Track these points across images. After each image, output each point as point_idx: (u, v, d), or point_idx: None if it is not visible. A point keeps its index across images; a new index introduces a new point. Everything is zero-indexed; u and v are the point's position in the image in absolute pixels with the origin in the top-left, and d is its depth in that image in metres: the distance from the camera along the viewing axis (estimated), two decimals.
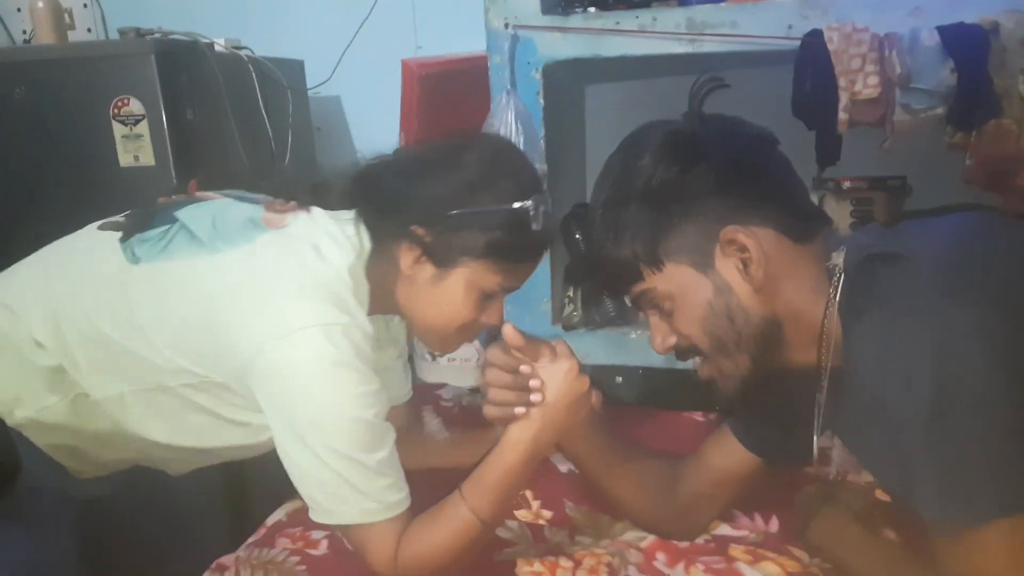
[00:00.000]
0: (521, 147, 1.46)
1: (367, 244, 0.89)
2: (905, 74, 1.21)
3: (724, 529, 0.97)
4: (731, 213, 0.73)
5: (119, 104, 1.40)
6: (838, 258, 0.73)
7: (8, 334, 0.87)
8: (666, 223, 0.75)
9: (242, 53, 1.66)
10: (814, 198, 1.66)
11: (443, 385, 1.51)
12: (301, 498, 1.02)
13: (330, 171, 0.98)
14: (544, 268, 1.51)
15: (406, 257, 0.87)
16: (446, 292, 0.87)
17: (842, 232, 1.61)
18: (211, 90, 1.52)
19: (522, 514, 1.04)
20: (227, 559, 0.94)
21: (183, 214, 0.90)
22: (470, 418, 1.28)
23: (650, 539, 0.96)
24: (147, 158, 1.42)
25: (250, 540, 0.99)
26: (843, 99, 1.23)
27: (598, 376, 1.51)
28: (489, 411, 0.84)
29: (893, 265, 0.69)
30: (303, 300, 0.81)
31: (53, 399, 0.87)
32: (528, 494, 1.07)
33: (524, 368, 0.82)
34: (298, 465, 0.81)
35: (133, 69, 1.40)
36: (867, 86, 1.23)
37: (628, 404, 1.42)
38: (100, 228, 0.93)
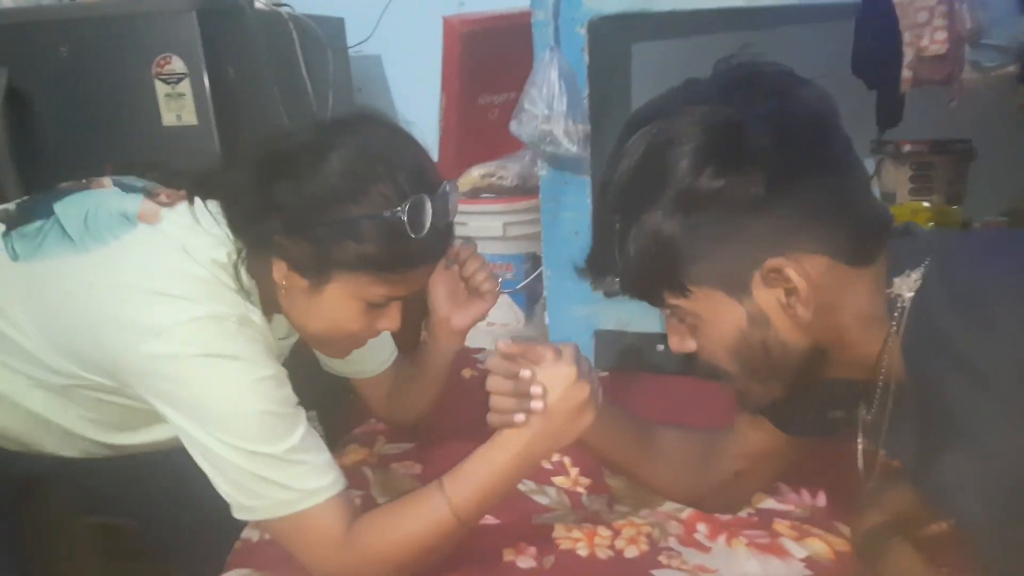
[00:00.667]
0: (565, 106, 1.43)
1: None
2: (976, 29, 1.13)
3: (769, 503, 0.94)
4: (779, 236, 0.62)
5: (161, 62, 1.39)
6: (902, 286, 0.62)
7: None
8: (698, 244, 0.63)
9: (282, 10, 1.65)
10: (871, 163, 1.59)
11: (480, 349, 1.50)
12: None
13: (218, 160, 0.93)
14: (586, 230, 1.48)
15: (277, 268, 0.80)
16: (324, 306, 0.80)
17: (902, 208, 1.54)
18: (252, 48, 1.51)
19: (560, 480, 1.03)
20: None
21: (60, 207, 0.85)
22: None
23: (690, 510, 0.94)
24: (190, 117, 1.42)
25: None
26: (908, 56, 1.16)
27: (639, 344, 1.49)
28: (491, 419, 0.79)
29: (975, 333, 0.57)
30: (170, 298, 0.76)
31: None
32: (566, 460, 1.06)
33: (524, 373, 0.77)
34: (205, 462, 0.76)
35: (174, 27, 1.39)
36: (934, 41, 1.15)
37: (669, 373, 1.39)
38: None
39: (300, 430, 0.77)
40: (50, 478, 0.97)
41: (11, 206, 0.89)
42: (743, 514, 0.93)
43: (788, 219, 0.62)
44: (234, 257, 0.81)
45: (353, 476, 0.98)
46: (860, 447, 0.77)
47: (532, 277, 1.70)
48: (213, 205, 0.84)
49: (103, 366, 0.79)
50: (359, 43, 1.97)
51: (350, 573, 0.77)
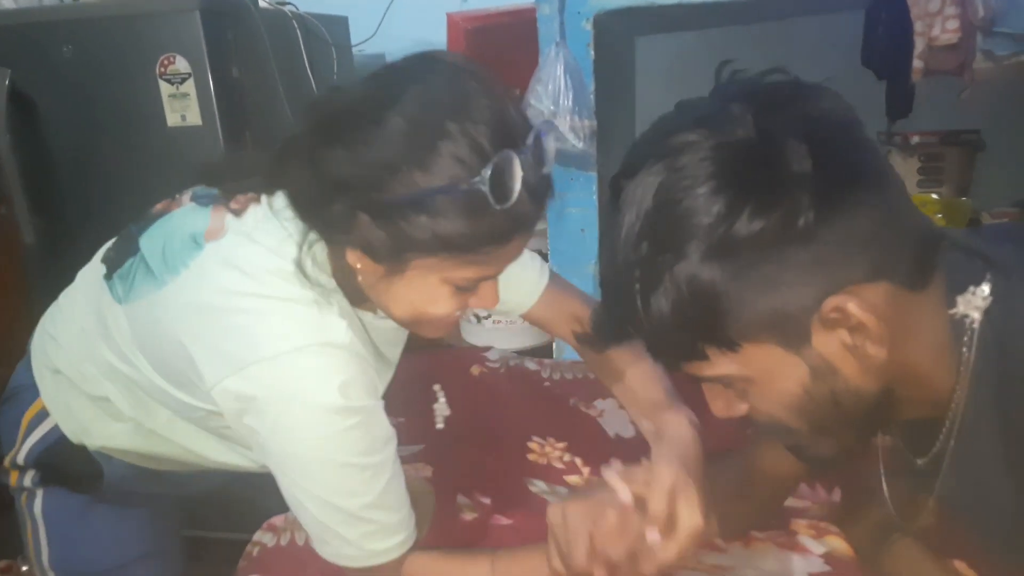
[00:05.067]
0: (571, 102, 1.42)
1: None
2: (988, 17, 1.12)
3: (787, 501, 0.93)
4: (835, 269, 0.52)
5: (165, 62, 1.38)
6: (968, 306, 0.54)
7: (61, 367, 0.85)
8: (744, 293, 0.52)
9: (286, 9, 1.64)
10: None
11: (489, 347, 1.49)
12: None
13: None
14: (592, 226, 1.47)
15: (351, 254, 0.68)
16: (407, 291, 0.69)
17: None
18: (256, 47, 1.50)
19: (572, 479, 1.02)
20: (278, 519, 0.94)
21: (144, 241, 0.79)
22: (516, 380, 1.27)
23: None
24: (194, 117, 1.41)
25: None
26: (919, 45, 1.15)
27: None
28: (557, 565, 0.70)
29: None
30: (244, 327, 0.69)
31: (116, 426, 0.84)
32: (577, 460, 1.05)
33: (651, 536, 0.64)
34: (286, 497, 0.73)
35: (178, 26, 1.38)
36: (946, 31, 1.14)
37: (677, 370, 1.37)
38: (102, 260, 0.85)
39: (381, 482, 0.71)
40: None
41: (111, 246, 0.85)
42: None
43: (842, 248, 0.52)
44: (295, 254, 0.70)
45: None
46: (884, 485, 0.70)
47: None
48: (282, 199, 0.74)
49: (207, 397, 0.73)
50: (363, 41, 1.97)
51: None
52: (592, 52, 1.35)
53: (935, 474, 0.61)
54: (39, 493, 0.89)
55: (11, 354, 0.95)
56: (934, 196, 1.54)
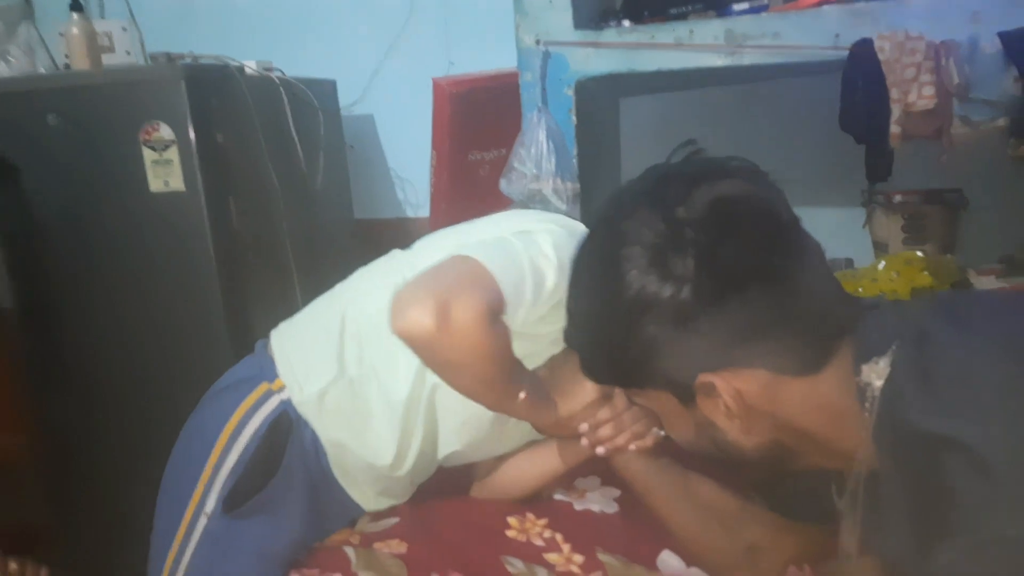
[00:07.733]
0: (553, 165, 1.43)
1: None
2: (963, 84, 1.13)
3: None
4: (712, 351, 0.62)
5: (149, 130, 1.39)
6: (871, 374, 0.60)
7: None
8: (645, 350, 0.63)
9: (273, 75, 1.66)
10: (863, 212, 1.58)
11: None
12: None
13: None
14: None
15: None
16: None
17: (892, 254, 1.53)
18: (241, 113, 1.52)
19: (552, 557, 0.98)
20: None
21: None
22: None
23: None
24: (177, 183, 1.41)
25: None
26: (896, 111, 1.16)
27: None
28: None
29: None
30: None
31: (336, 375, 0.92)
32: (558, 537, 1.01)
33: None
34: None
35: (163, 94, 1.40)
36: (922, 97, 1.15)
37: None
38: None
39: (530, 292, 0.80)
40: None
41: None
42: None
43: (719, 336, 0.61)
44: None
45: (334, 556, 0.95)
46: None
47: None
48: None
49: None
50: (351, 103, 1.99)
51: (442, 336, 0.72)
52: (574, 118, 1.36)
53: (849, 513, 0.69)
54: (213, 508, 0.92)
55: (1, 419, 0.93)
56: (919, 253, 1.53)
